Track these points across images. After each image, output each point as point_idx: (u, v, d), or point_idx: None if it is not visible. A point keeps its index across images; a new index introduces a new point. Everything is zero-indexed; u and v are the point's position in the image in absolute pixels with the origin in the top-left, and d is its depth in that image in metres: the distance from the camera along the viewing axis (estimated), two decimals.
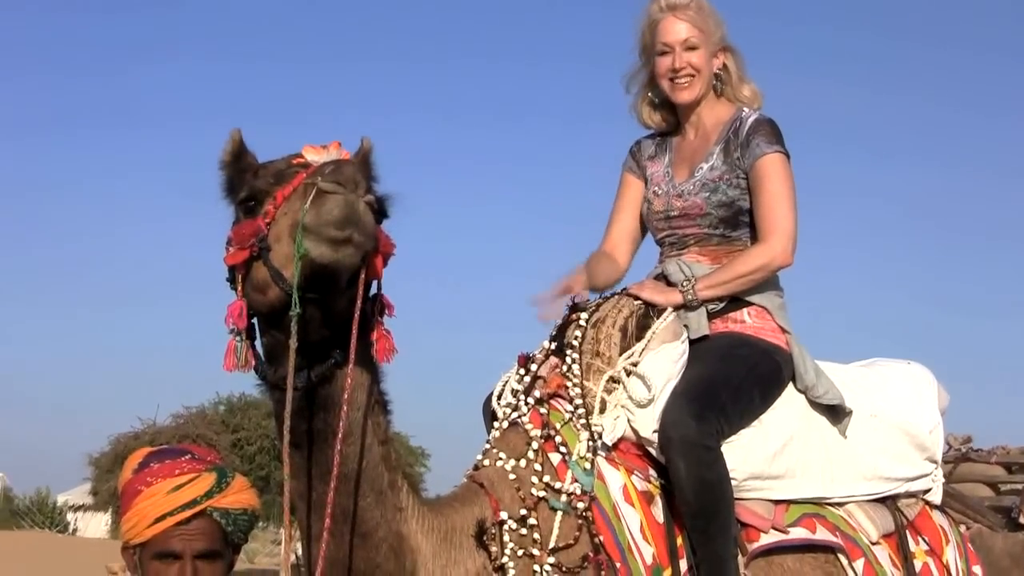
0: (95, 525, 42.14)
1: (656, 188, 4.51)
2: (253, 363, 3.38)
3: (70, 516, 44.91)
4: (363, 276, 3.30)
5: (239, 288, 3.33)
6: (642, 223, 4.63)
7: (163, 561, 3.10)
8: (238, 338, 3.33)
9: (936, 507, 4.60)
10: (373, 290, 3.44)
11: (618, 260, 4.63)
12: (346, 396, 3.30)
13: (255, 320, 3.45)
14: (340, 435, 3.34)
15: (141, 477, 3.14)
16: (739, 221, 4.35)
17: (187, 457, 3.21)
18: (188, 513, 3.11)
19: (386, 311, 3.47)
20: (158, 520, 3.09)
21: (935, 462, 4.57)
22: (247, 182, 3.41)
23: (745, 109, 4.46)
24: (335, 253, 3.17)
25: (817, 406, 4.27)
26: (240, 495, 3.23)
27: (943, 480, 4.68)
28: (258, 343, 3.47)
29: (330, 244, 3.15)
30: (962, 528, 4.74)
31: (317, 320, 3.31)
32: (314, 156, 3.35)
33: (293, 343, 3.20)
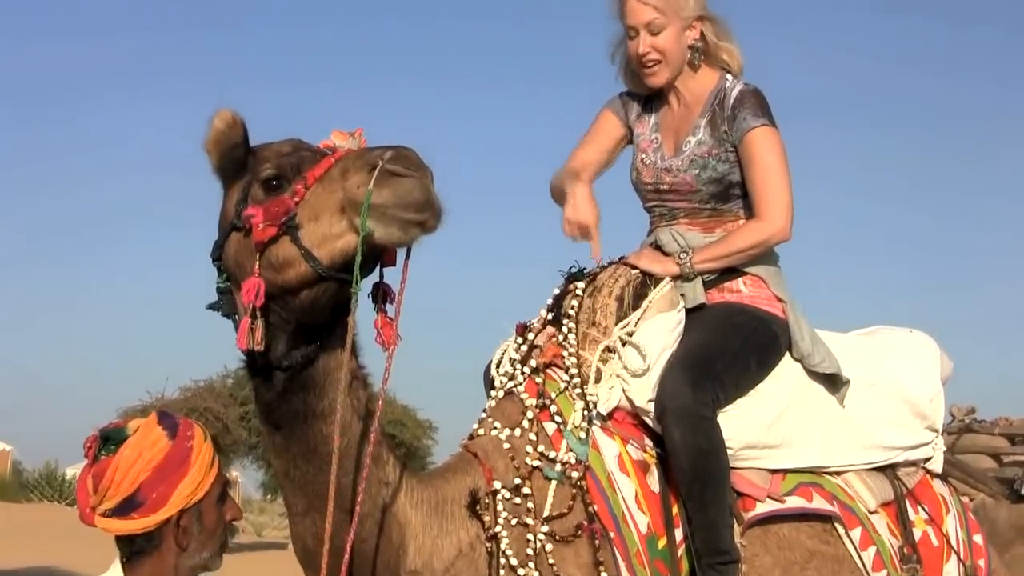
0: None
1: (644, 156, 4.44)
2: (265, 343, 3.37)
3: None
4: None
5: (255, 267, 3.32)
6: (608, 157, 4.56)
7: (220, 502, 3.15)
8: (253, 317, 3.32)
9: (937, 476, 4.59)
10: (375, 278, 3.47)
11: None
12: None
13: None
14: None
15: (180, 439, 3.10)
16: (730, 194, 4.29)
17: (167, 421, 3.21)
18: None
19: (388, 298, 3.47)
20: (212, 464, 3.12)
21: (936, 430, 4.55)
22: (271, 161, 3.41)
23: (728, 78, 4.36)
24: (404, 235, 3.24)
25: (815, 375, 4.24)
26: None
27: (944, 449, 4.65)
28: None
29: (401, 225, 3.22)
30: (964, 499, 4.72)
31: (328, 303, 3.35)
32: (342, 142, 3.41)
33: (352, 320, 3.28)
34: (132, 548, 3.08)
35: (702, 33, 4.36)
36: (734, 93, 4.28)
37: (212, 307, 3.52)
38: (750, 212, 4.25)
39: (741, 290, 4.24)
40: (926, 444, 4.51)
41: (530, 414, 3.87)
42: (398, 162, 3.22)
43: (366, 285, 3.36)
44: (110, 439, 3.08)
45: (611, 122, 4.58)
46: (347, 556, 3.26)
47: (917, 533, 4.34)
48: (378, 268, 3.44)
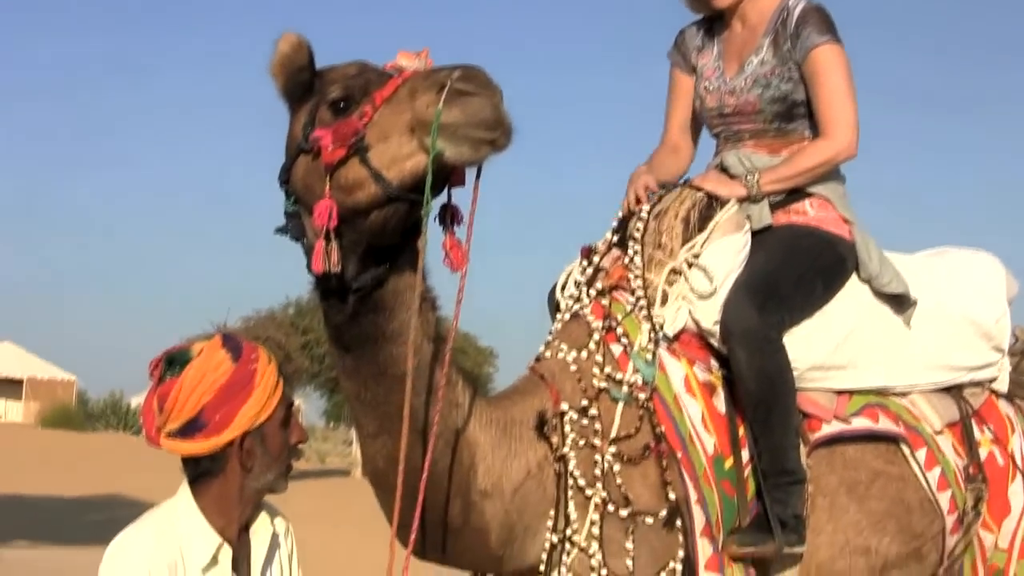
0: None
1: (707, 83, 4.41)
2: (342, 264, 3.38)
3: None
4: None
5: (326, 189, 3.33)
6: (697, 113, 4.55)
7: (284, 425, 3.18)
8: (327, 239, 3.33)
9: (1003, 396, 4.57)
10: (443, 199, 3.47)
11: (681, 152, 4.57)
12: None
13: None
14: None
15: (244, 362, 3.12)
16: (794, 114, 4.25)
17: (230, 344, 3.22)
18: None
19: (456, 219, 3.47)
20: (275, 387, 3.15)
21: (1002, 351, 4.53)
22: (338, 83, 3.40)
23: None
24: (475, 153, 3.23)
25: (881, 296, 4.23)
26: None
27: (1010, 369, 4.63)
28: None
29: (472, 144, 3.21)
30: None
31: (398, 224, 3.36)
32: (408, 62, 3.39)
33: (423, 242, 3.31)
34: (198, 469, 3.14)
35: None
36: (797, 11, 4.22)
37: (280, 231, 3.52)
38: (815, 132, 4.22)
39: (807, 211, 4.21)
40: (992, 364, 4.50)
41: (596, 336, 3.88)
42: (467, 81, 3.20)
43: (434, 206, 3.35)
44: (175, 361, 3.11)
45: (681, 80, 4.55)
46: (424, 475, 3.31)
47: (983, 453, 4.34)
48: (446, 189, 3.43)
